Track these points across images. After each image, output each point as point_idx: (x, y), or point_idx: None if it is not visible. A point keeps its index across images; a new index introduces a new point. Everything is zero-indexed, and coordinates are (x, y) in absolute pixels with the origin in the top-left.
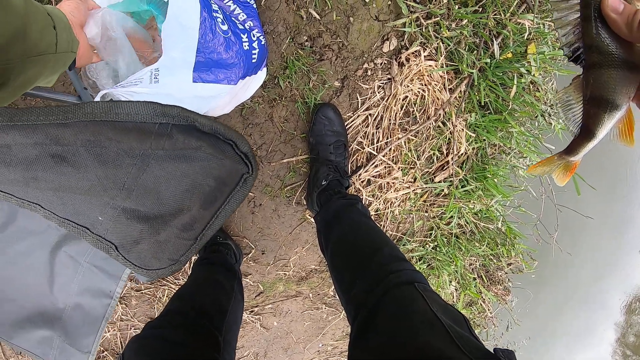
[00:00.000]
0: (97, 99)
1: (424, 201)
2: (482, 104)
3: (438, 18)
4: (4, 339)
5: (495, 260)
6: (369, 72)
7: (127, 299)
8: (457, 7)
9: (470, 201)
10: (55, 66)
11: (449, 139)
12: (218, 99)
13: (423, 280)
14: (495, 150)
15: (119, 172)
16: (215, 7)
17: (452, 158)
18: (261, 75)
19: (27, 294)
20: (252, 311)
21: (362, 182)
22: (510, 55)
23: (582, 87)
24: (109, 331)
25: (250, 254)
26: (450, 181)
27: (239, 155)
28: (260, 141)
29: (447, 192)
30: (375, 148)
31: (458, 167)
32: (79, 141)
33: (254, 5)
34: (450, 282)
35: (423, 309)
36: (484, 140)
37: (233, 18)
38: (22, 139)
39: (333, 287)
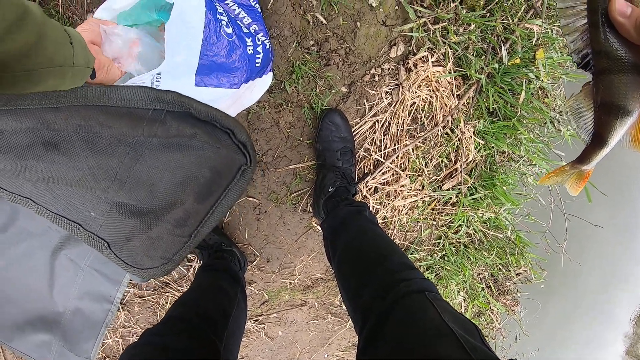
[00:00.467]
0: None
1: (432, 209)
2: (491, 110)
3: (446, 23)
4: (2, 341)
5: (504, 270)
6: (376, 78)
7: (129, 306)
8: (464, 11)
9: (478, 209)
10: (73, 80)
11: (457, 146)
12: (220, 103)
13: (433, 289)
14: (503, 157)
15: (111, 162)
16: (220, 9)
17: (460, 165)
18: (267, 79)
19: (27, 297)
20: (256, 320)
21: (369, 189)
22: (518, 60)
23: (593, 94)
24: (110, 337)
25: (255, 262)
26: (459, 189)
27: (236, 144)
28: (266, 147)
29: (455, 200)
30: (382, 155)
31: (466, 174)
32: (70, 127)
33: (259, 9)
34: (459, 292)
35: (433, 317)
36: (493, 147)
37: (238, 21)
38: (15, 124)
39: (339, 296)
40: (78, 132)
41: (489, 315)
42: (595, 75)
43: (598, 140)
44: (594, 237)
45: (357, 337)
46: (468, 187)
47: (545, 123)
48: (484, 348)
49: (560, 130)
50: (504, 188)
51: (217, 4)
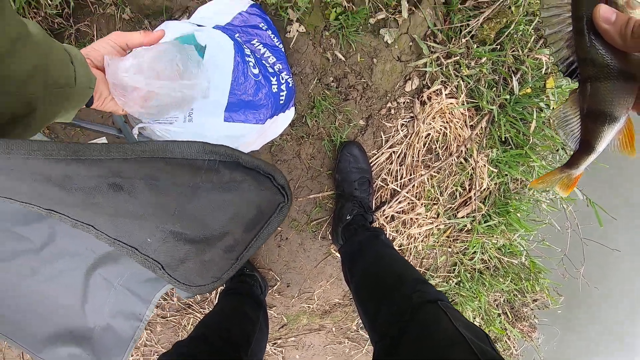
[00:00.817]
0: (135, 131)
1: (447, 237)
2: (503, 139)
3: (458, 57)
4: (32, 352)
5: (520, 296)
6: (393, 111)
7: (152, 325)
8: (475, 45)
9: (493, 236)
10: (76, 100)
11: (471, 174)
12: (247, 137)
13: (445, 298)
14: (517, 184)
15: (170, 201)
16: (247, 51)
17: (474, 194)
18: (289, 114)
19: (58, 312)
20: (275, 343)
21: (386, 217)
22: (529, 90)
23: (579, 102)
24: (132, 356)
25: (276, 286)
26: (473, 216)
27: (276, 187)
28: (288, 177)
29: (470, 228)
30: (398, 184)
31: (480, 202)
32: (137, 175)
33: (282, 49)
34: (475, 318)
35: (447, 327)
36: (506, 175)
37: (263, 61)
38: (85, 172)
39: (356, 321)
40: (144, 178)
41: (506, 341)
42: (581, 83)
43: (586, 146)
44: (613, 261)
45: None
46: (482, 215)
47: (557, 150)
48: (494, 352)
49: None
50: (518, 215)
51: (244, 46)
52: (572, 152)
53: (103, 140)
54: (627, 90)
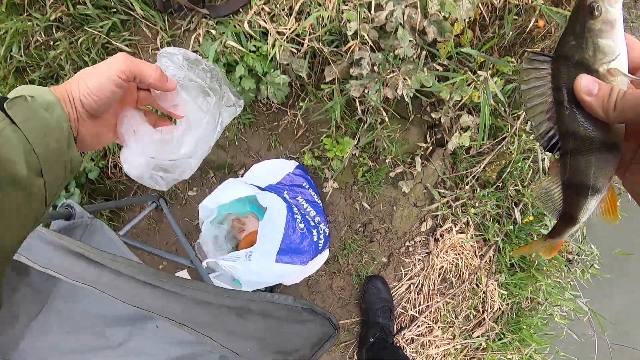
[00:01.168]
0: (204, 265)
1: (464, 355)
2: (509, 265)
3: (465, 200)
4: None
5: None
6: (410, 249)
7: None
8: (479, 189)
9: (507, 352)
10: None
11: (483, 298)
12: (291, 275)
13: None
14: (529, 303)
15: (270, 327)
16: (295, 210)
17: (487, 315)
18: (325, 255)
19: None
20: None
21: (406, 340)
22: (531, 218)
23: (561, 175)
24: None
25: None
26: (487, 335)
27: (331, 325)
28: (321, 305)
29: (485, 346)
30: (417, 311)
31: (493, 322)
32: (255, 309)
33: (321, 204)
34: None
35: None
36: (517, 295)
37: (307, 216)
38: (225, 301)
39: None
40: (258, 312)
41: None
42: (562, 156)
43: (568, 218)
44: None
45: None
46: (496, 333)
47: (561, 268)
48: None
49: (576, 271)
50: (531, 330)
51: (293, 204)
52: (554, 222)
53: (185, 273)
54: (610, 160)
